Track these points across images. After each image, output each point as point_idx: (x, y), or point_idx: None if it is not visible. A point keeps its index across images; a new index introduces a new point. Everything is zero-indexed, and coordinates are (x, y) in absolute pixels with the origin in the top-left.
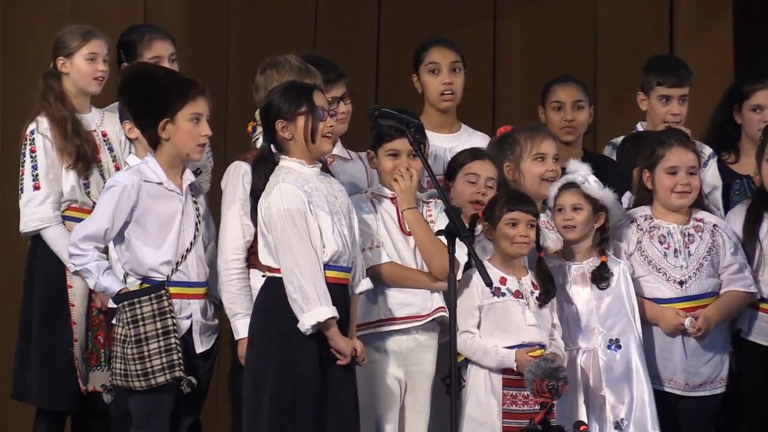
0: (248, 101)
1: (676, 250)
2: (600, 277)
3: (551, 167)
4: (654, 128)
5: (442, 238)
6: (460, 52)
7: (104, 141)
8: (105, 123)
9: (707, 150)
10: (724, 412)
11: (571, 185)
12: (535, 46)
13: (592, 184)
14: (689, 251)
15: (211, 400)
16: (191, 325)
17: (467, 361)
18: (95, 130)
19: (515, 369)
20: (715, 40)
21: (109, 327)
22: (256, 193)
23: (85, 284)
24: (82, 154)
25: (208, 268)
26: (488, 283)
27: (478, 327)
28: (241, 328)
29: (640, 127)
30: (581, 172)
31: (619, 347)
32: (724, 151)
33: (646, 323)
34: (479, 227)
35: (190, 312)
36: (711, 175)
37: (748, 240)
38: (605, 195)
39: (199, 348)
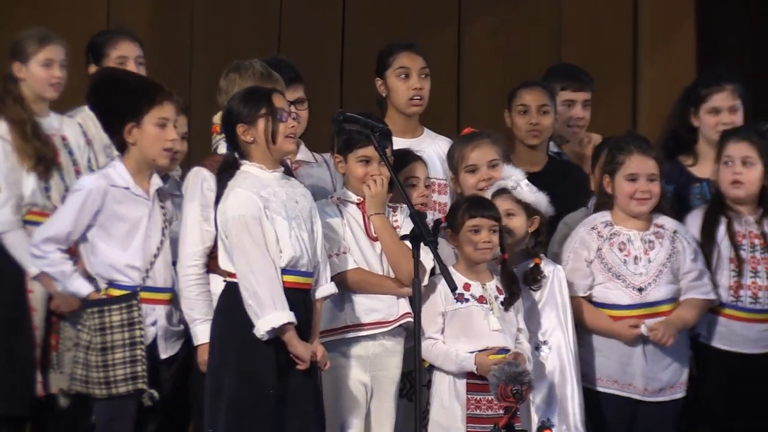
0: (213, 105)
1: (636, 257)
2: (532, 279)
3: (484, 176)
4: (558, 134)
5: (409, 243)
6: (426, 58)
7: (64, 145)
8: (64, 127)
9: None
10: (685, 417)
11: (503, 191)
12: (499, 52)
13: (524, 188)
14: (649, 258)
15: None
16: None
17: (432, 366)
18: (55, 134)
19: (476, 372)
20: (679, 47)
21: (62, 329)
22: (219, 202)
23: (45, 289)
24: (42, 156)
25: (175, 273)
26: (452, 287)
27: (442, 333)
28: (199, 333)
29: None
30: (514, 177)
31: (548, 348)
32: (682, 155)
33: (603, 335)
34: None
35: (155, 318)
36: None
37: (706, 243)
38: (538, 199)
39: (164, 354)
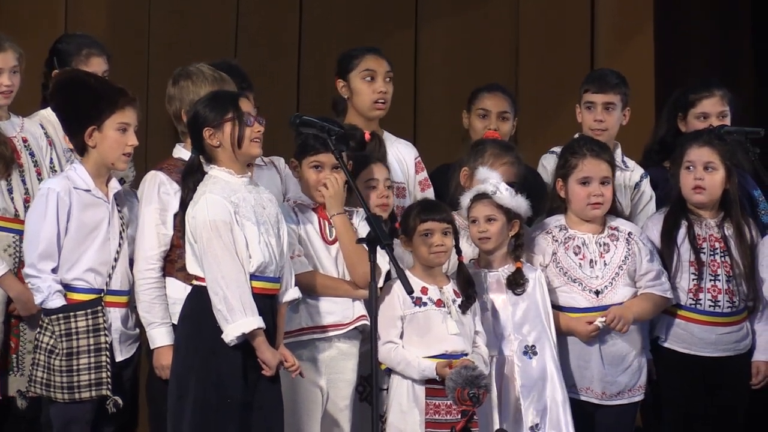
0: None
1: (591, 261)
2: (515, 283)
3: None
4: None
5: (365, 246)
6: (390, 63)
7: (25, 146)
8: (25, 129)
9: (638, 171)
10: (645, 419)
11: (482, 196)
12: (456, 54)
13: (503, 192)
14: (605, 261)
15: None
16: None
17: (390, 370)
18: (15, 136)
19: (438, 380)
20: (637, 51)
21: (22, 332)
22: (185, 205)
23: (3, 292)
24: (1, 156)
25: (132, 277)
26: (409, 291)
27: (401, 337)
28: (156, 336)
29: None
30: (491, 181)
31: (535, 353)
32: (668, 160)
33: (561, 334)
34: None
35: (110, 321)
36: (647, 193)
37: (667, 246)
38: (518, 202)
39: (119, 356)
